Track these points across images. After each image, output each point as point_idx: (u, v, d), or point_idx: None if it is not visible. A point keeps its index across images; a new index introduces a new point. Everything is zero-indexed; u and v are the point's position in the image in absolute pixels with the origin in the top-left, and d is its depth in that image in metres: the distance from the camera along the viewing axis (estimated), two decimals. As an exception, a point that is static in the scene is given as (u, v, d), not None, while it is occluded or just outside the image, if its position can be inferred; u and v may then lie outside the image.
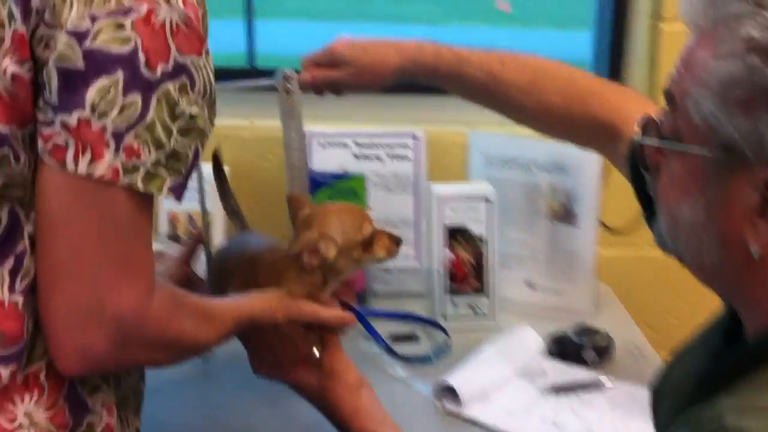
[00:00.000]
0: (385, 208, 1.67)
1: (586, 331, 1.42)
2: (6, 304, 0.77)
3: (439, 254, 1.51)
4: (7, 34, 0.74)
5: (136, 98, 0.75)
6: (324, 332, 1.01)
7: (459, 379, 1.23)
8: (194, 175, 0.85)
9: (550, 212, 1.59)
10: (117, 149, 0.75)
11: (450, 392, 1.22)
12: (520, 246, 1.62)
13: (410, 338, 1.46)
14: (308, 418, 1.06)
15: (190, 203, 1.57)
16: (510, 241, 1.61)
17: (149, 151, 0.76)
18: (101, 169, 0.74)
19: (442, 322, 1.49)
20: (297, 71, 1.31)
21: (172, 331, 0.83)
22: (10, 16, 0.74)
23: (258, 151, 1.72)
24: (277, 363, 1.01)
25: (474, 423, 1.18)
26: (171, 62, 0.76)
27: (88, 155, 0.74)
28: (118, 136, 0.75)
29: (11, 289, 0.78)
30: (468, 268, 1.52)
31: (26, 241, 0.78)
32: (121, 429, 0.91)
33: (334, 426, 1.00)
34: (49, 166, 0.75)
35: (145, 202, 0.78)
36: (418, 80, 1.31)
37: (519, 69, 1.25)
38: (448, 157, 1.73)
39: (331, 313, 1.02)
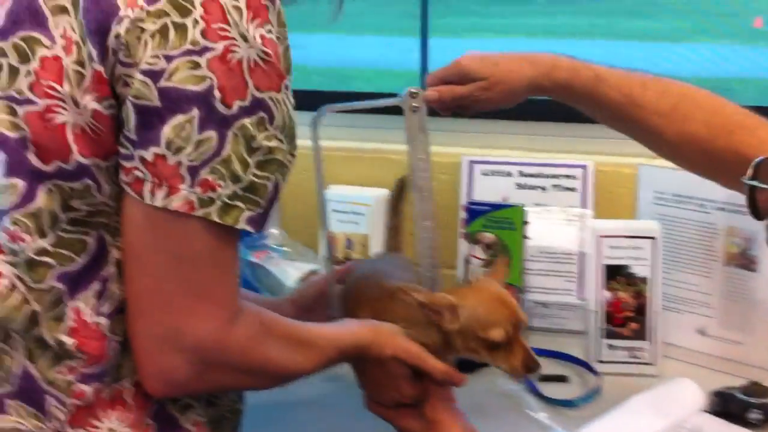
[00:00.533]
0: (548, 240, 1.62)
1: (757, 390, 1.28)
2: (91, 325, 0.82)
3: (597, 294, 1.43)
4: (88, 73, 0.78)
5: (212, 134, 0.77)
6: (428, 382, 0.99)
7: (598, 429, 1.16)
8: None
9: (726, 255, 1.46)
10: (192, 183, 0.77)
11: (589, 442, 1.15)
12: (691, 290, 1.50)
13: (559, 379, 1.39)
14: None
15: (347, 225, 1.64)
16: (680, 284, 1.50)
17: (225, 185, 0.78)
18: (177, 202, 0.77)
19: (595, 366, 1.41)
20: (423, 89, 1.25)
21: (258, 357, 0.84)
22: (89, 56, 0.77)
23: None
24: (382, 401, 1.00)
25: (610, 479, 1.11)
26: (248, 98, 0.78)
27: (164, 189, 0.77)
28: (194, 171, 0.77)
29: (96, 311, 0.82)
30: (628, 311, 1.43)
31: (112, 267, 0.83)
32: None
33: None
34: (130, 198, 0.79)
35: (224, 234, 0.80)
36: (550, 97, 1.24)
37: (661, 93, 1.16)
38: (617, 191, 1.64)
39: (439, 365, 0.99)
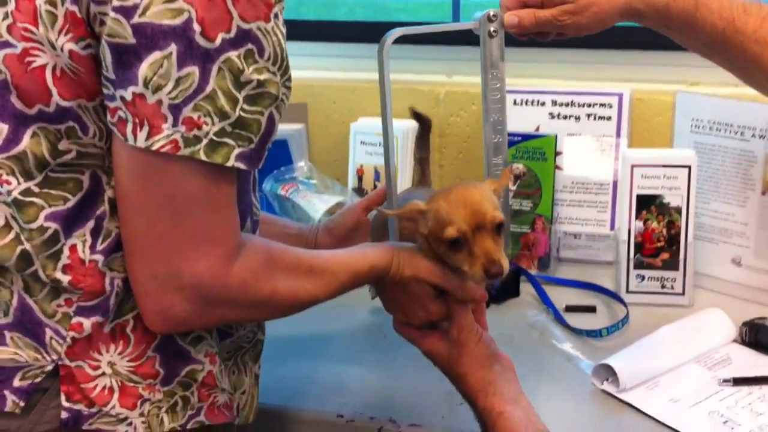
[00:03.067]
0: (581, 171, 1.59)
1: (790, 320, 1.26)
2: (86, 262, 0.81)
3: (627, 224, 1.41)
4: (60, 13, 0.75)
5: (193, 70, 0.74)
6: (451, 301, 0.97)
7: (623, 360, 1.15)
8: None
9: (764, 184, 1.42)
10: (175, 122, 0.75)
11: (613, 372, 1.14)
12: (727, 219, 1.46)
13: (587, 310, 1.38)
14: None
15: (375, 157, 1.63)
16: (716, 213, 1.47)
17: (212, 122, 0.75)
18: (160, 142, 0.75)
19: (624, 296, 1.40)
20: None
21: (263, 290, 0.84)
22: None
23: (451, 108, 1.69)
24: (409, 322, 0.99)
25: (632, 408, 1.10)
26: (233, 30, 0.74)
27: (145, 129, 0.75)
28: (176, 109, 0.75)
29: (92, 248, 0.82)
30: (660, 241, 1.40)
31: (106, 205, 0.82)
32: (238, 374, 0.96)
33: (465, 400, 0.97)
34: (117, 139, 0.77)
35: (216, 172, 0.78)
36: (642, 22, 1.12)
37: (764, 19, 1.08)
38: (654, 120, 1.60)
39: (458, 282, 0.96)
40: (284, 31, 0.81)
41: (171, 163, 0.76)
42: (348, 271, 0.91)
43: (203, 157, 0.76)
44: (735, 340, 1.26)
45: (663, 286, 1.41)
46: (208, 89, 0.75)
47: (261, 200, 1.14)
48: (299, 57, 1.82)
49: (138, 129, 0.75)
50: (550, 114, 1.62)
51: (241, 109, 0.77)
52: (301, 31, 1.78)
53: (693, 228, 1.40)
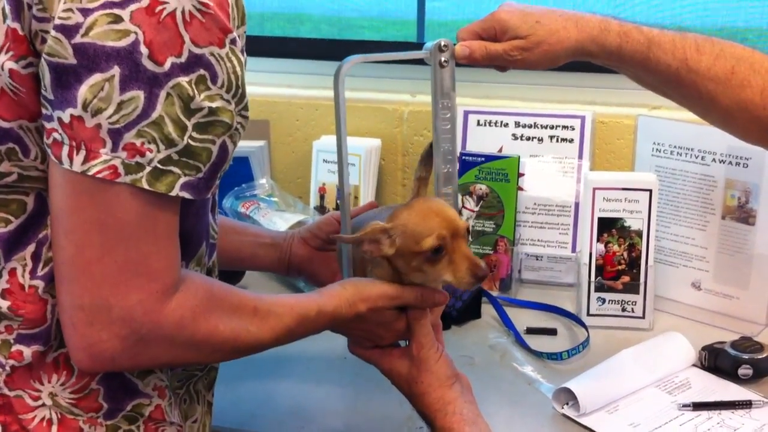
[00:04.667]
0: (543, 192, 1.59)
1: (749, 346, 1.26)
2: (26, 288, 0.78)
3: (589, 246, 1.41)
4: (1, 30, 0.73)
5: (138, 94, 0.71)
6: (413, 320, 0.96)
7: (583, 384, 1.14)
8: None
9: (724, 208, 1.43)
10: (114, 147, 0.71)
11: (573, 396, 1.14)
12: (687, 243, 1.47)
13: (548, 332, 1.38)
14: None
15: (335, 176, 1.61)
16: (676, 237, 1.48)
17: (157, 149, 0.72)
18: (97, 167, 0.71)
19: (585, 319, 1.40)
20: (454, 42, 1.12)
21: (201, 330, 0.78)
22: (3, 12, 0.72)
23: (415, 127, 1.69)
24: (367, 344, 0.97)
25: (592, 432, 1.10)
26: (184, 54, 0.71)
27: (82, 153, 0.71)
28: (116, 134, 0.71)
29: (32, 273, 0.78)
30: (620, 264, 1.41)
31: (49, 229, 0.78)
32: (190, 402, 0.93)
33: (423, 421, 0.95)
34: (52, 161, 0.73)
35: (158, 201, 0.74)
36: (594, 61, 1.13)
37: (716, 57, 1.09)
38: (616, 143, 1.61)
39: (418, 293, 0.94)
40: (243, 58, 0.78)
41: (108, 188, 0.72)
42: (294, 315, 0.87)
43: (145, 186, 0.72)
44: (695, 365, 1.26)
45: (623, 309, 1.41)
46: (154, 115, 0.72)
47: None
48: (262, 73, 1.81)
49: (74, 152, 0.71)
50: (513, 135, 1.63)
51: (190, 137, 0.73)
52: (264, 47, 1.77)
53: (653, 251, 1.41)
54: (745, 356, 1.22)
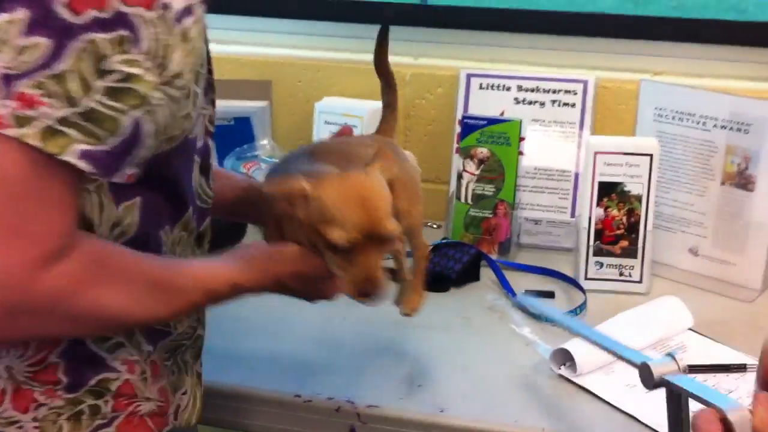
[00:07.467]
0: (544, 157, 1.60)
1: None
2: None
3: (588, 210, 1.42)
4: None
5: (43, 42, 0.64)
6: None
7: (580, 345, 1.16)
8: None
9: (724, 175, 1.43)
10: (7, 94, 0.65)
11: (570, 357, 1.15)
12: (686, 209, 1.48)
13: (546, 295, 1.39)
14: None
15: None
16: (675, 203, 1.48)
17: (55, 105, 0.65)
18: None
19: (582, 283, 1.41)
20: None
21: (84, 304, 0.72)
22: None
23: (417, 90, 1.69)
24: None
25: (588, 392, 1.11)
26: (108, 10, 0.65)
27: None
28: (9, 80, 0.65)
29: None
30: (619, 229, 1.42)
31: None
32: (178, 373, 0.91)
33: None
34: None
35: (48, 163, 0.67)
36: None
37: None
38: (618, 108, 1.60)
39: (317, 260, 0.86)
40: (178, 28, 0.70)
41: None
42: (203, 290, 0.81)
43: (35, 143, 0.65)
44: (691, 329, 1.28)
45: (621, 274, 1.42)
46: (59, 68, 0.65)
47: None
48: (265, 33, 1.80)
49: None
50: (515, 99, 1.62)
51: (96, 100, 0.67)
52: (267, 7, 1.75)
53: (653, 216, 1.41)
54: (741, 321, 1.24)
